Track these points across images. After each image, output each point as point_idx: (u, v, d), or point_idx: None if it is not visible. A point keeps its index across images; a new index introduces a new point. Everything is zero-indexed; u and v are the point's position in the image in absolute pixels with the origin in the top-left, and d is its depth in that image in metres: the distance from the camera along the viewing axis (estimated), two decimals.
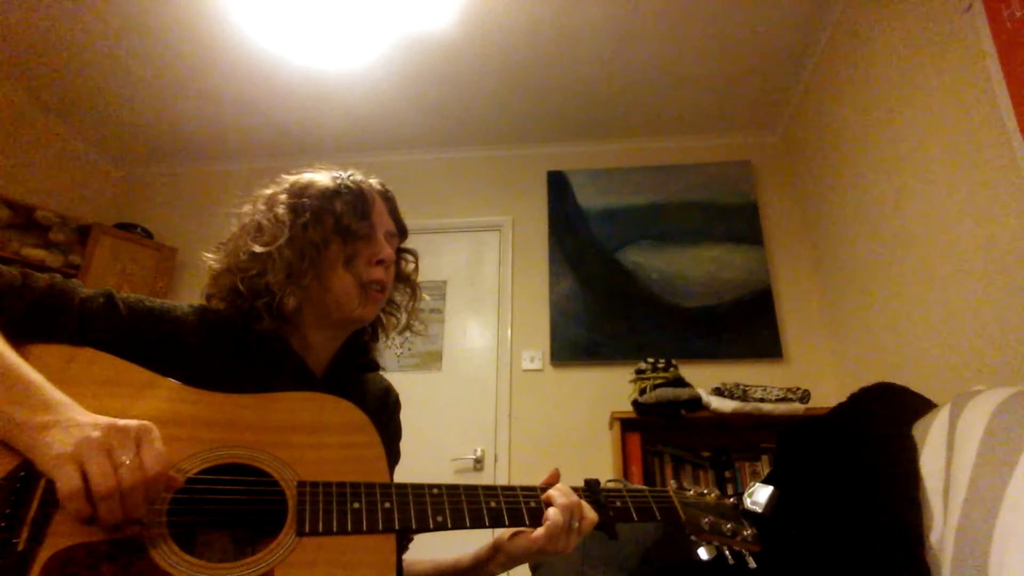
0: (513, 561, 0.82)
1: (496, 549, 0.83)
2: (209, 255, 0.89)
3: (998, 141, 1.52)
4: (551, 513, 0.76)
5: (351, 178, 0.92)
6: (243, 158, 3.40)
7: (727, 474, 2.35)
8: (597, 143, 3.24)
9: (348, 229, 0.87)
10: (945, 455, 1.16)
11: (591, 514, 0.78)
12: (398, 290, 1.01)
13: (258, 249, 0.82)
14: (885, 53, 2.06)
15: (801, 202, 2.92)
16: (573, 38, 2.54)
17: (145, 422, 0.61)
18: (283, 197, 0.88)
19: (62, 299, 0.72)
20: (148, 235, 3.13)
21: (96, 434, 0.57)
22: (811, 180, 2.78)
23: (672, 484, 0.91)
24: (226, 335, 0.83)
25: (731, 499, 0.92)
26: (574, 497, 0.78)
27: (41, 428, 0.58)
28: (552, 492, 0.78)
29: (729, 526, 0.86)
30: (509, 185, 3.23)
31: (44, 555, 0.56)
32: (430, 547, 0.90)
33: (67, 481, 0.55)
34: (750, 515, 0.89)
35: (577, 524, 0.77)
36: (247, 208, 0.90)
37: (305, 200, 0.87)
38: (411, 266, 1.02)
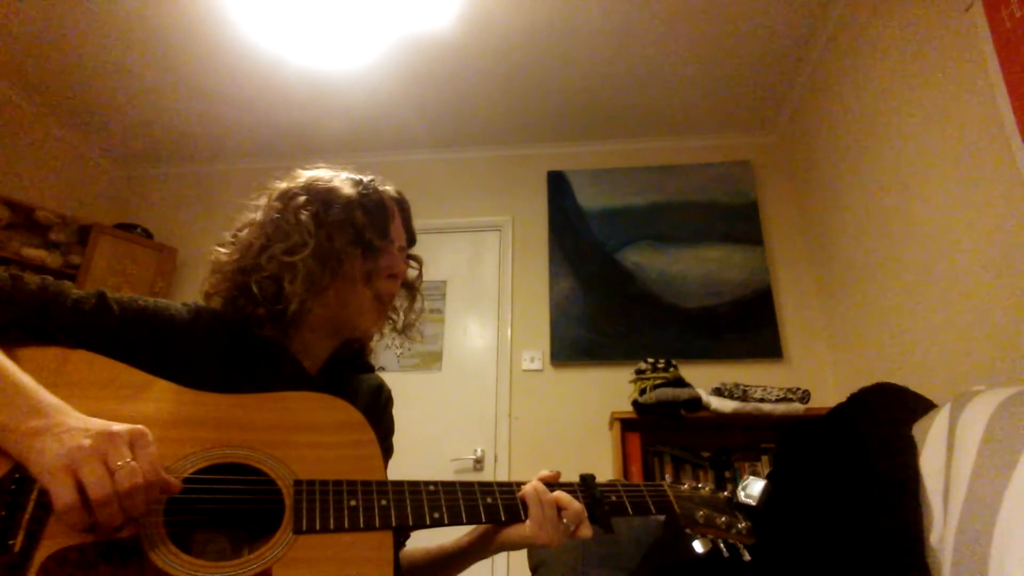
0: (500, 548, 0.81)
1: (486, 536, 0.82)
2: (221, 248, 0.87)
3: (997, 141, 1.52)
4: (531, 508, 0.77)
5: (372, 186, 0.91)
6: (243, 158, 3.40)
7: (727, 474, 2.35)
8: (597, 143, 3.24)
9: (370, 244, 0.87)
10: (945, 455, 1.15)
11: (572, 504, 0.77)
12: (399, 295, 1.01)
13: (285, 258, 0.81)
14: (885, 53, 2.06)
15: (801, 202, 2.92)
16: (573, 38, 2.53)
17: (138, 426, 0.60)
18: (302, 199, 0.86)
19: (54, 301, 0.71)
20: (148, 235, 3.13)
21: (88, 441, 0.57)
22: (811, 180, 2.78)
23: (667, 479, 0.91)
24: (222, 335, 0.82)
25: (725, 493, 0.92)
26: (544, 491, 0.78)
27: (32, 434, 0.58)
28: (525, 488, 0.79)
29: (723, 519, 0.86)
30: (509, 185, 3.23)
31: (41, 556, 0.55)
32: (423, 540, 0.89)
33: (63, 495, 0.55)
34: (744, 508, 0.89)
35: (563, 517, 0.76)
36: (263, 201, 0.89)
37: (327, 207, 0.86)
38: (415, 273, 1.02)
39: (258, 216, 0.88)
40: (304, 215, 0.84)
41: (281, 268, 0.81)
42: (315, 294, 0.83)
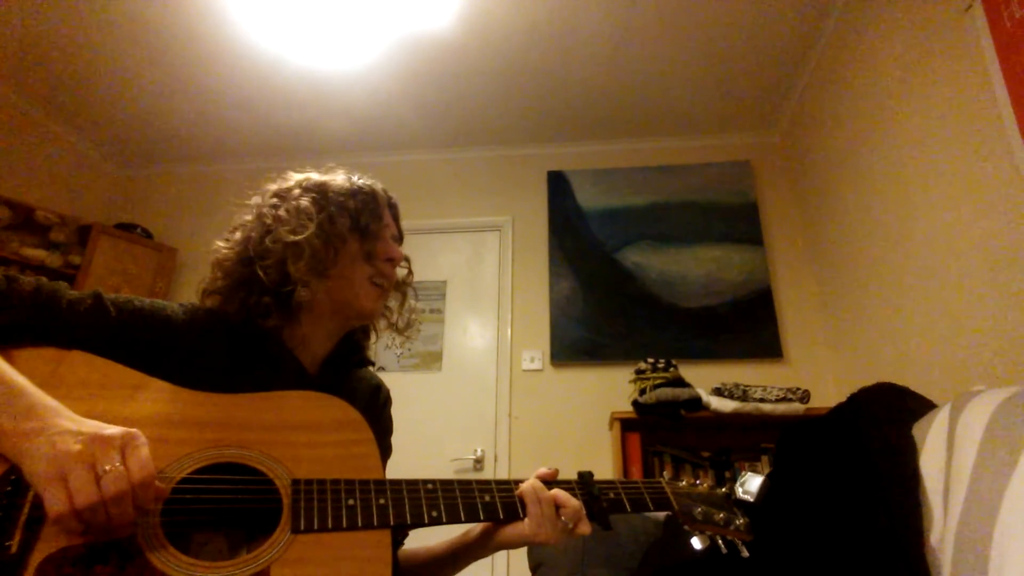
0: (499, 547, 0.81)
1: (485, 535, 0.82)
2: (221, 244, 0.89)
3: (998, 141, 1.52)
4: (528, 506, 0.77)
5: (363, 180, 0.95)
6: (243, 158, 3.40)
7: (727, 474, 2.34)
8: (597, 143, 3.24)
9: (366, 227, 0.90)
10: (945, 455, 1.15)
11: (570, 502, 0.77)
12: (392, 296, 1.02)
13: (289, 238, 0.83)
14: (885, 53, 2.06)
15: (801, 202, 2.92)
16: (572, 38, 2.53)
17: (130, 429, 0.60)
18: (297, 191, 0.90)
19: (49, 302, 0.71)
20: (148, 235, 3.13)
21: (78, 446, 0.56)
22: (811, 180, 2.78)
23: (665, 476, 0.91)
24: (219, 334, 0.82)
25: (723, 489, 0.92)
26: (541, 488, 0.78)
27: (26, 436, 0.57)
28: (523, 486, 0.79)
29: (721, 515, 0.86)
30: (509, 185, 3.23)
31: (37, 558, 0.55)
32: (424, 539, 0.89)
33: (55, 503, 0.54)
34: (742, 504, 0.89)
35: (561, 514, 0.76)
36: (256, 200, 0.91)
37: (323, 195, 0.89)
38: (404, 271, 1.04)
39: (255, 213, 0.90)
40: (304, 201, 0.88)
41: (286, 249, 0.83)
42: (319, 274, 0.85)
